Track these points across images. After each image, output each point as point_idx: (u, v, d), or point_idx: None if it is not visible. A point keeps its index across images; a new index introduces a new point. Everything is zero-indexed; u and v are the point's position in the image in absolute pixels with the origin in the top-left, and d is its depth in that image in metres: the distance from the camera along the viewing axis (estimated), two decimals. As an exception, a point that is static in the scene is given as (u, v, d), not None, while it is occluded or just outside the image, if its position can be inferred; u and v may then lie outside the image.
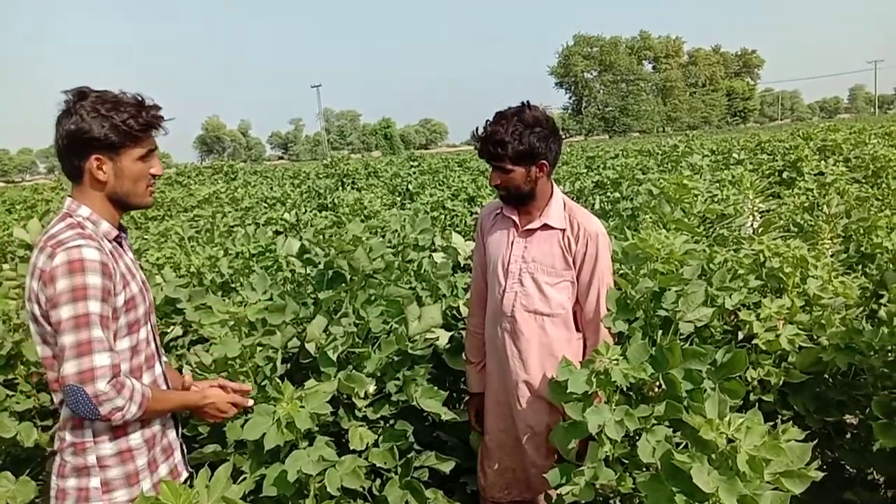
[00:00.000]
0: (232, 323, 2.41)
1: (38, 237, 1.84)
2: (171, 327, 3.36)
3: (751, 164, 9.05)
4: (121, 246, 1.89)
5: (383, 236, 4.30)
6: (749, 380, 2.61)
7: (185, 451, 2.10)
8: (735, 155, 9.88)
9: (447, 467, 2.63)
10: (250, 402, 2.09)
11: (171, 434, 1.99)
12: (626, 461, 2.11)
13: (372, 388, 2.60)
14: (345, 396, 2.62)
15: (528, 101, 2.39)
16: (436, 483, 2.73)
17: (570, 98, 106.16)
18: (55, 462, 1.84)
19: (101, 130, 1.74)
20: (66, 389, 1.66)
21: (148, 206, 1.94)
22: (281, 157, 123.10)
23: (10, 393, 3.07)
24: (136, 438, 1.83)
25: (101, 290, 1.69)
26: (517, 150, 2.30)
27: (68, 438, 1.80)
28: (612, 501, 2.26)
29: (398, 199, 10.00)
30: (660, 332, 2.46)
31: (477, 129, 2.39)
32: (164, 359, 2.06)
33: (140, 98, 1.82)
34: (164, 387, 1.96)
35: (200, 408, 1.97)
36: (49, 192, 16.77)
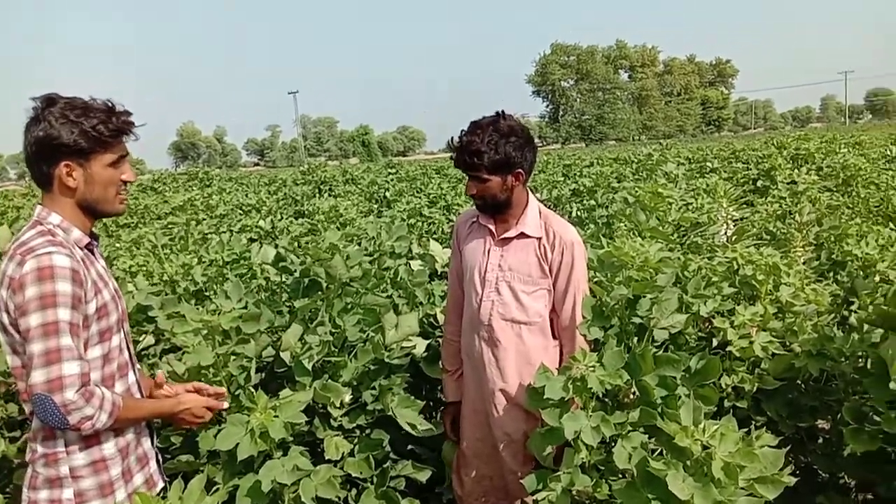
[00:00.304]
0: (205, 331, 2.38)
1: (8, 245, 1.79)
2: (144, 336, 3.31)
3: (725, 172, 9.17)
4: (92, 253, 1.87)
5: (360, 244, 4.28)
6: (723, 386, 2.63)
7: (161, 460, 2.08)
8: (709, 163, 10.01)
9: (424, 476, 2.62)
10: (226, 405, 2.08)
11: (146, 443, 1.96)
12: (602, 467, 2.11)
13: (348, 398, 2.58)
14: (320, 406, 2.60)
15: (503, 111, 2.40)
16: (412, 493, 2.71)
17: (547, 106, 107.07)
18: (27, 473, 1.81)
19: (70, 136, 1.73)
20: (34, 398, 1.63)
21: (119, 213, 1.93)
22: (257, 164, 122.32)
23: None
24: (109, 448, 1.80)
25: (71, 297, 1.66)
26: (493, 159, 2.31)
27: (39, 449, 1.76)
28: (587, 508, 2.27)
29: (375, 206, 9.98)
30: (635, 339, 2.47)
31: (452, 139, 2.40)
32: (138, 367, 2.03)
33: (110, 104, 1.80)
34: (137, 395, 1.93)
35: (176, 414, 1.95)
36: (20, 198, 16.49)
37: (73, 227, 1.81)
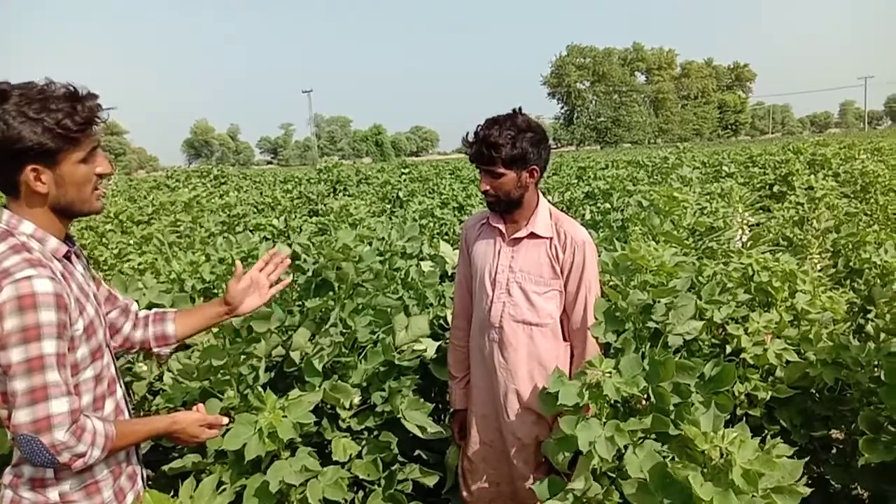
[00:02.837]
0: (216, 330, 2.37)
1: None
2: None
3: (741, 177, 9.10)
4: (69, 260, 1.67)
5: (370, 244, 4.27)
6: (736, 394, 2.60)
7: (146, 476, 1.95)
8: (725, 168, 9.93)
9: (431, 481, 2.60)
10: (225, 421, 1.88)
11: (134, 459, 1.84)
12: (614, 474, 2.09)
13: (357, 399, 2.57)
14: (329, 407, 2.59)
15: (520, 108, 2.38)
16: (419, 497, 2.69)
17: (562, 108, 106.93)
18: (4, 498, 1.64)
19: (33, 137, 1.48)
20: (19, 439, 1.48)
21: (97, 211, 1.69)
22: (270, 162, 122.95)
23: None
24: (101, 470, 1.68)
25: (56, 325, 1.48)
26: (510, 154, 2.28)
27: (26, 473, 1.61)
28: (598, 515, 2.25)
29: (388, 206, 9.98)
30: (648, 344, 2.44)
31: (468, 133, 2.37)
32: (122, 384, 1.85)
33: (72, 89, 1.55)
34: (125, 411, 1.80)
35: (171, 434, 1.80)
36: None
37: (49, 235, 1.60)
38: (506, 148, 2.27)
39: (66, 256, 1.65)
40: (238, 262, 1.98)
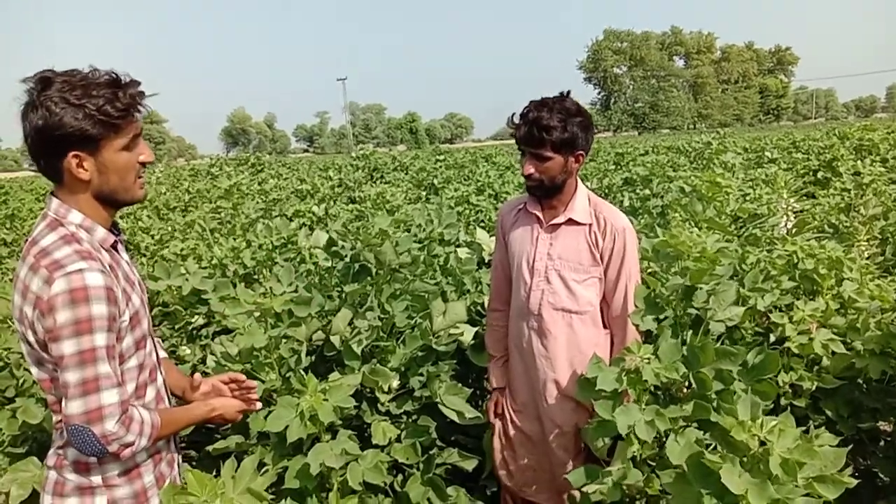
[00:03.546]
0: (258, 314, 2.41)
1: (26, 248, 1.57)
2: (195, 317, 3.38)
3: (784, 163, 8.88)
4: (116, 250, 1.69)
5: (408, 230, 4.28)
6: (780, 384, 2.55)
7: (180, 461, 1.97)
8: (768, 153, 9.70)
9: (470, 465, 2.61)
10: (258, 406, 1.97)
11: (172, 445, 1.87)
12: (654, 462, 2.07)
13: (395, 383, 2.58)
14: (368, 391, 2.61)
15: (568, 91, 2.35)
16: (457, 481, 2.71)
17: (598, 93, 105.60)
18: (48, 479, 1.68)
19: (74, 123, 1.49)
20: (70, 429, 1.51)
21: (140, 199, 1.69)
22: (306, 150, 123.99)
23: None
24: (142, 456, 1.71)
25: (106, 318, 1.51)
26: (561, 137, 2.24)
27: (70, 456, 1.64)
28: (637, 502, 2.23)
29: (423, 192, 9.99)
30: (689, 331, 2.41)
31: (513, 115, 2.33)
32: (161, 371, 1.87)
33: (114, 76, 1.55)
34: (165, 398, 1.82)
35: (209, 420, 1.86)
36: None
37: (96, 225, 1.61)
38: (556, 131, 2.23)
39: (114, 246, 1.67)
40: (197, 375, 1.96)
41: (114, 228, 1.69)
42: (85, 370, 1.49)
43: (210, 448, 2.51)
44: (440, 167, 13.65)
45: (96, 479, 1.65)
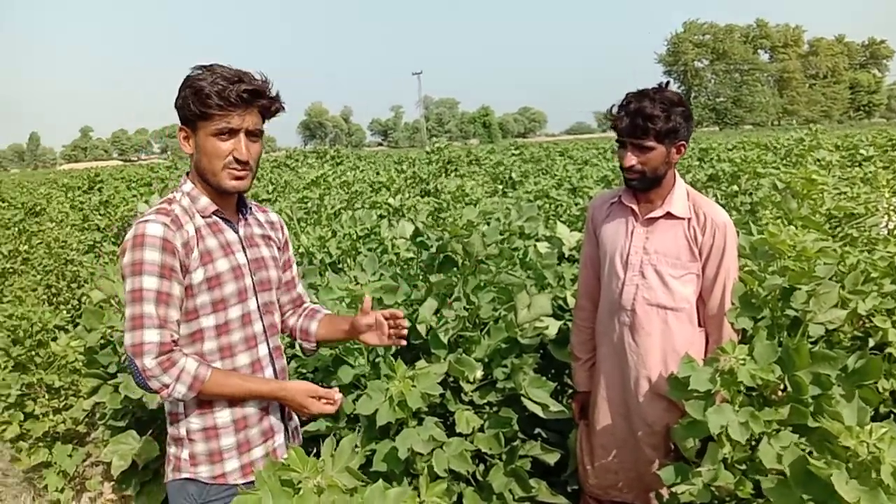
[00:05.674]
0: (349, 300, 2.47)
1: None
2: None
3: (881, 161, 8.43)
4: (228, 223, 1.83)
5: (488, 223, 4.30)
6: (880, 390, 2.43)
7: (295, 433, 2.02)
8: (863, 151, 9.22)
9: (552, 459, 2.60)
10: (333, 409, 1.88)
11: (274, 418, 1.89)
12: (745, 465, 2.02)
13: (479, 374, 2.60)
14: (452, 380, 2.64)
15: (668, 82, 2.32)
16: (537, 475, 2.70)
17: (678, 87, 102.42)
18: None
19: (180, 101, 1.71)
20: (126, 359, 1.71)
21: (228, 190, 1.78)
22: (380, 144, 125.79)
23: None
24: (223, 417, 1.78)
25: (158, 265, 1.65)
26: (665, 126, 2.21)
27: (167, 408, 1.82)
28: (726, 505, 2.18)
29: (500, 187, 9.97)
30: (786, 332, 2.33)
31: (612, 106, 2.31)
32: (277, 342, 1.95)
33: (241, 74, 1.71)
34: (268, 368, 1.88)
35: (278, 399, 1.86)
36: (164, 170, 17.88)
37: (202, 195, 1.79)
38: (660, 121, 2.20)
39: (222, 217, 1.82)
40: (367, 298, 2.00)
41: (240, 206, 1.88)
42: (134, 307, 1.66)
43: (302, 429, 2.59)
44: (516, 161, 13.60)
45: (182, 432, 1.79)
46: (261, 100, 1.74)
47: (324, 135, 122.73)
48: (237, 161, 1.73)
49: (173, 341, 1.69)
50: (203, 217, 1.78)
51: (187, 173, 1.83)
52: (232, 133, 1.71)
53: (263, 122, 1.79)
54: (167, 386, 1.67)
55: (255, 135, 1.76)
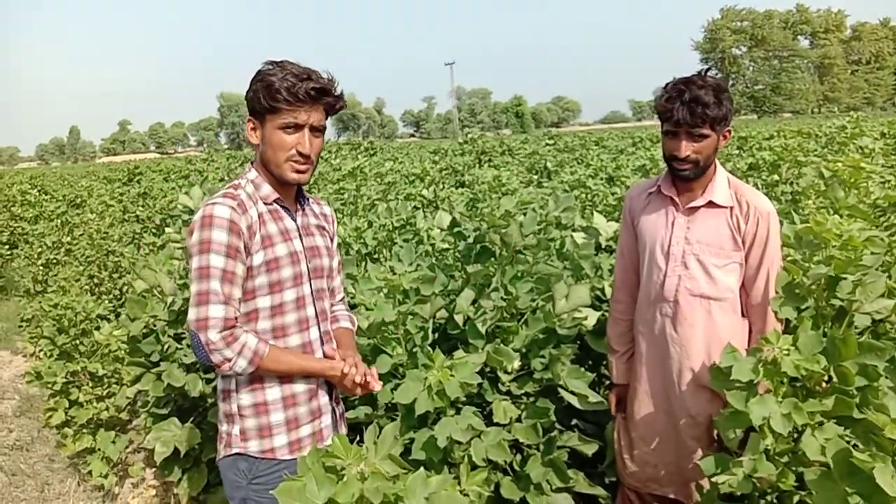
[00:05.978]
0: (387, 290, 2.49)
1: None
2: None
3: (927, 148, 8.17)
4: (287, 211, 1.91)
5: (524, 213, 4.28)
6: (929, 383, 2.37)
7: (342, 419, 2.07)
8: (908, 138, 8.96)
9: (590, 450, 2.59)
10: (378, 388, 1.95)
11: (323, 398, 1.95)
12: (787, 457, 1.99)
13: (517, 364, 2.60)
14: (489, 370, 2.65)
15: (706, 70, 2.30)
16: (574, 466, 2.69)
17: (715, 75, 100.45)
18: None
19: (250, 95, 1.81)
20: (189, 333, 1.78)
21: (289, 181, 1.88)
22: (413, 135, 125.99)
23: (179, 346, 3.36)
24: (273, 394, 1.85)
25: (225, 245, 1.75)
26: (718, 113, 2.18)
27: (220, 385, 1.91)
28: (768, 497, 2.15)
29: (535, 177, 9.91)
30: (831, 323, 2.28)
31: (662, 96, 2.26)
32: (327, 327, 2.01)
33: (309, 72, 1.80)
34: (318, 351, 1.94)
35: (325, 376, 1.92)
36: (201, 163, 18.15)
37: (265, 183, 1.88)
38: (713, 108, 2.17)
39: (281, 205, 1.90)
40: (374, 374, 1.98)
41: (299, 196, 1.98)
42: (200, 284, 1.75)
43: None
44: (551, 151, 13.50)
45: (233, 407, 1.87)
46: (326, 97, 1.83)
47: (357, 126, 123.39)
48: (300, 154, 1.83)
49: (235, 318, 1.78)
50: (265, 204, 1.87)
51: (251, 162, 1.93)
52: (297, 128, 1.81)
53: (326, 118, 1.88)
54: (229, 360, 1.75)
55: (318, 130, 1.86)
